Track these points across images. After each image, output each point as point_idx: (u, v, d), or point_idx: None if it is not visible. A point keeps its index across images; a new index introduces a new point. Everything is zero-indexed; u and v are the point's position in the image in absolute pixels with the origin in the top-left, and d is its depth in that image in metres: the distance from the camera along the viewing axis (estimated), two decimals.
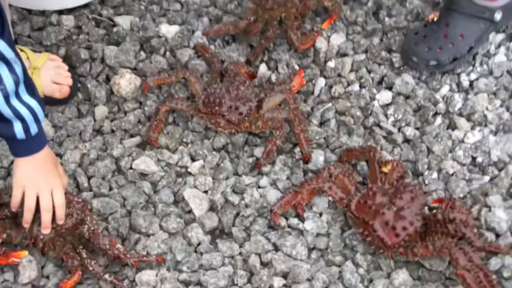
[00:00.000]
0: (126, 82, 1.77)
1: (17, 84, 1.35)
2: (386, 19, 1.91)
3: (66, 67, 1.78)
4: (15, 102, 1.36)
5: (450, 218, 1.49)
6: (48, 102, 1.75)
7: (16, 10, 1.93)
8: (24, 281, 1.48)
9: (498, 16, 1.79)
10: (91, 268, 1.47)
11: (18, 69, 1.34)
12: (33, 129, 1.41)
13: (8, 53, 1.31)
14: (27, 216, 1.48)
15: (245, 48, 1.86)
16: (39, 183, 1.46)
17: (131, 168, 1.67)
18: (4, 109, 1.35)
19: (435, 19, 1.81)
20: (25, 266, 1.49)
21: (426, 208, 1.56)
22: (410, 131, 1.71)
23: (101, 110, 1.77)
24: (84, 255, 1.47)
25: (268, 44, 1.84)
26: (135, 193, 1.62)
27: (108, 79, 1.81)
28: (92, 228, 1.49)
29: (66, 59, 1.83)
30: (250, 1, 1.86)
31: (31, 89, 1.39)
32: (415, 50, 1.79)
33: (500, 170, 1.64)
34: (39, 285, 1.50)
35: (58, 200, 1.47)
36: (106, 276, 1.47)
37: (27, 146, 1.44)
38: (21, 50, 1.75)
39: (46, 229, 1.48)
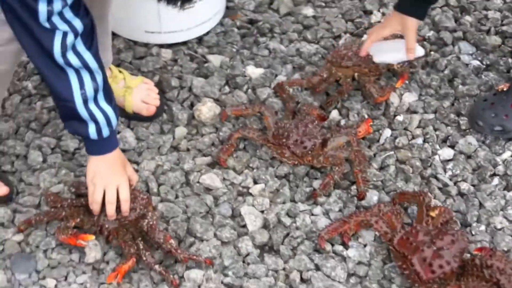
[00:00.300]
0: (207, 109, 1.94)
1: (96, 91, 1.53)
2: (460, 86, 2.01)
3: (156, 90, 1.97)
4: (92, 106, 1.54)
5: (488, 264, 1.54)
6: (136, 118, 1.94)
7: (124, 40, 2.16)
8: (89, 261, 1.62)
9: None
10: (144, 258, 1.60)
11: (99, 78, 1.53)
12: (105, 132, 1.58)
13: (93, 63, 1.50)
14: (94, 207, 1.64)
15: (321, 95, 2.00)
16: (107, 179, 1.62)
17: (198, 182, 1.81)
18: (82, 111, 1.53)
19: (505, 89, 1.89)
20: (91, 248, 1.63)
21: (467, 254, 1.61)
22: (465, 186, 1.78)
23: (181, 131, 1.93)
24: (141, 246, 1.60)
25: (341, 97, 1.97)
26: (197, 203, 1.75)
27: (192, 105, 1.99)
28: (151, 223, 1.63)
29: (158, 84, 2.03)
30: (326, 59, 2.02)
31: (109, 97, 1.57)
32: (482, 115, 1.87)
33: None
34: (100, 268, 1.64)
35: (124, 195, 1.63)
36: (156, 267, 1.59)
37: (99, 146, 1.61)
38: (120, 72, 1.96)
39: (110, 217, 1.63)
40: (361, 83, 1.98)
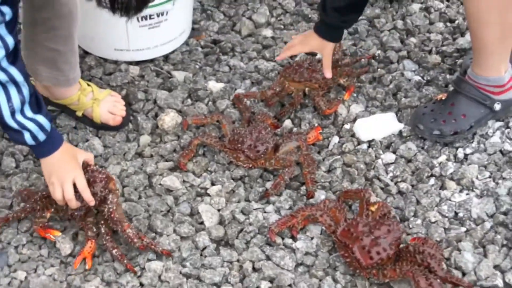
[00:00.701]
0: (169, 119, 2.10)
1: (23, 103, 1.64)
2: (403, 99, 2.19)
3: (123, 102, 2.13)
4: (19, 117, 1.65)
5: (420, 250, 1.70)
6: (103, 128, 2.10)
7: (95, 58, 2.32)
8: (66, 253, 1.76)
9: (497, 106, 2.04)
10: (104, 242, 1.74)
11: (25, 91, 1.63)
12: (41, 137, 1.71)
13: (19, 77, 1.60)
14: (63, 204, 1.77)
15: (276, 106, 2.17)
16: (61, 176, 1.75)
17: (160, 184, 1.96)
18: (11, 122, 1.64)
19: (443, 98, 2.08)
20: (62, 242, 1.78)
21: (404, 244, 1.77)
22: (404, 185, 1.95)
23: (145, 139, 2.09)
24: (102, 230, 1.75)
25: (293, 109, 2.14)
26: (159, 203, 1.90)
27: (156, 116, 2.15)
28: (110, 209, 1.76)
29: (125, 97, 2.19)
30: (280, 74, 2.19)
31: (37, 107, 1.68)
32: (422, 119, 2.05)
33: (477, 225, 1.85)
34: (67, 261, 1.78)
35: (81, 186, 1.76)
36: (114, 251, 1.73)
37: (42, 149, 1.75)
38: (88, 85, 2.12)
39: (73, 207, 1.76)
40: (311, 96, 2.16)
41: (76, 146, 2.04)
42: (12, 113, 1.64)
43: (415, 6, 2.51)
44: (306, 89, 2.17)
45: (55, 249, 1.80)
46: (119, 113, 2.10)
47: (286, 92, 2.16)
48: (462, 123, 2.03)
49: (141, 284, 1.73)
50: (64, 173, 1.76)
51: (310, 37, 2.12)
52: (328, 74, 2.11)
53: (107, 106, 2.10)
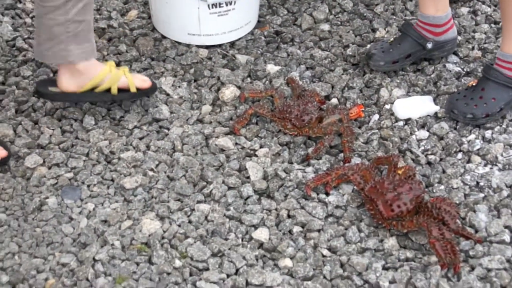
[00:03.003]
0: (229, 92, 2.38)
1: None
2: (442, 86, 2.39)
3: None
4: None
5: (437, 206, 1.90)
6: (141, 95, 2.29)
7: (170, 41, 2.63)
8: None
9: None
10: None
11: None
12: None
13: None
14: None
15: (328, 88, 2.42)
16: None
17: (215, 144, 2.23)
18: None
19: (474, 84, 2.27)
20: None
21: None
22: (433, 157, 2.15)
23: (206, 108, 2.37)
24: None
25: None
26: (212, 159, 2.17)
27: (218, 90, 2.43)
28: None
29: (193, 74, 2.48)
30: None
31: None
32: (456, 104, 2.25)
33: (495, 192, 2.03)
34: (129, 199, 2.06)
35: None
36: None
37: None
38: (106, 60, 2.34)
39: None
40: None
41: (146, 111, 2.33)
42: None
43: (464, 9, 2.72)
44: None
45: (121, 188, 2.09)
46: (142, 77, 2.30)
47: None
48: (492, 106, 2.22)
49: (190, 222, 2.00)
50: None
51: None
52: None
53: (132, 75, 2.27)
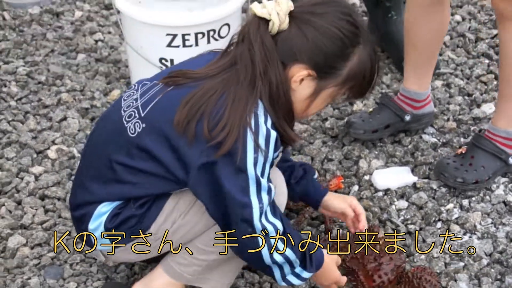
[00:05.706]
0: None
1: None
2: (419, 157, 2.45)
3: None
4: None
5: (418, 276, 1.92)
6: None
7: None
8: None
9: (511, 160, 2.28)
10: None
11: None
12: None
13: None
14: None
15: (308, 160, 2.46)
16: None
17: None
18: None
19: (463, 152, 2.33)
20: None
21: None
22: (412, 227, 2.18)
23: None
24: None
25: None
26: None
27: None
28: None
29: None
30: None
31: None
32: (446, 167, 2.29)
33: (475, 261, 2.05)
34: (112, 277, 2.07)
35: None
36: None
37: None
38: None
39: None
40: None
41: None
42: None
43: (438, 82, 2.80)
44: None
45: (103, 266, 2.09)
46: None
47: None
48: (482, 173, 2.27)
49: None
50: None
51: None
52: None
53: None
